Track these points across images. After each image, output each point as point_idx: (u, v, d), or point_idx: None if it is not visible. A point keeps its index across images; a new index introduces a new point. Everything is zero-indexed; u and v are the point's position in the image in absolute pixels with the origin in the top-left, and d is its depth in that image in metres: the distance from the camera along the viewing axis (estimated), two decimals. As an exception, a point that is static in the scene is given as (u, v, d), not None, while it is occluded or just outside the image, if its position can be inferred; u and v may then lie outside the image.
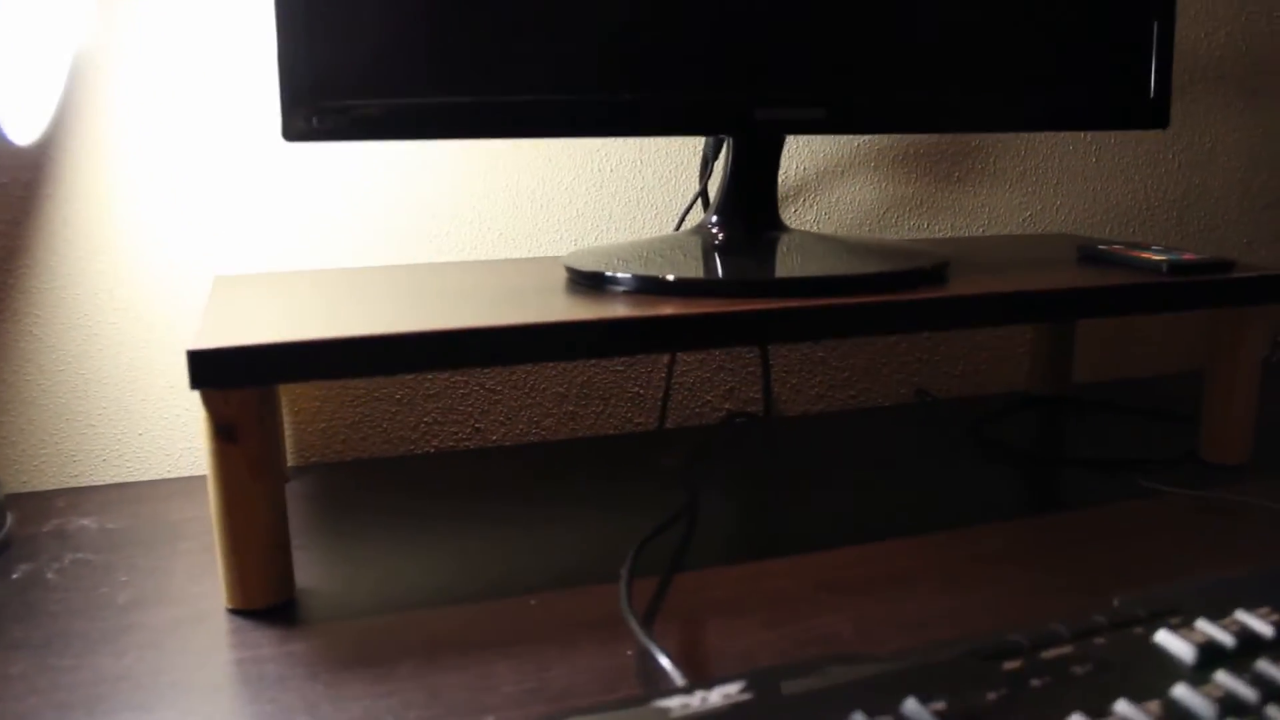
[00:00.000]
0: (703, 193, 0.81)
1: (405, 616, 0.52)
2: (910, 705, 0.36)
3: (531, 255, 0.81)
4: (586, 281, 0.65)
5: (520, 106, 0.60)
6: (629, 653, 0.48)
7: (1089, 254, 0.77)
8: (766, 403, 0.86)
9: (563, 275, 0.68)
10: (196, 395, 0.74)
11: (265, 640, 0.50)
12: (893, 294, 0.62)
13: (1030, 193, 0.97)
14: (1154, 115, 0.76)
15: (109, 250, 0.70)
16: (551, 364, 0.82)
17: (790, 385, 0.91)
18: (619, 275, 0.63)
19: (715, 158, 0.78)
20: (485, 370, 0.81)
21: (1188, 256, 0.72)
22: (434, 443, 0.80)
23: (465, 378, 0.80)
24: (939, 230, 0.94)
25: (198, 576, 0.57)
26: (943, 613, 0.52)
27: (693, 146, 0.84)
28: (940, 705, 0.36)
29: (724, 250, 0.68)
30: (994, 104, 0.71)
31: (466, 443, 0.81)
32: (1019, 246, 0.83)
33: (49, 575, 0.57)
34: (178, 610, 0.53)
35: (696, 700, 0.37)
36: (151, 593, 0.55)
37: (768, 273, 0.63)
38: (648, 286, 0.62)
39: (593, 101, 0.62)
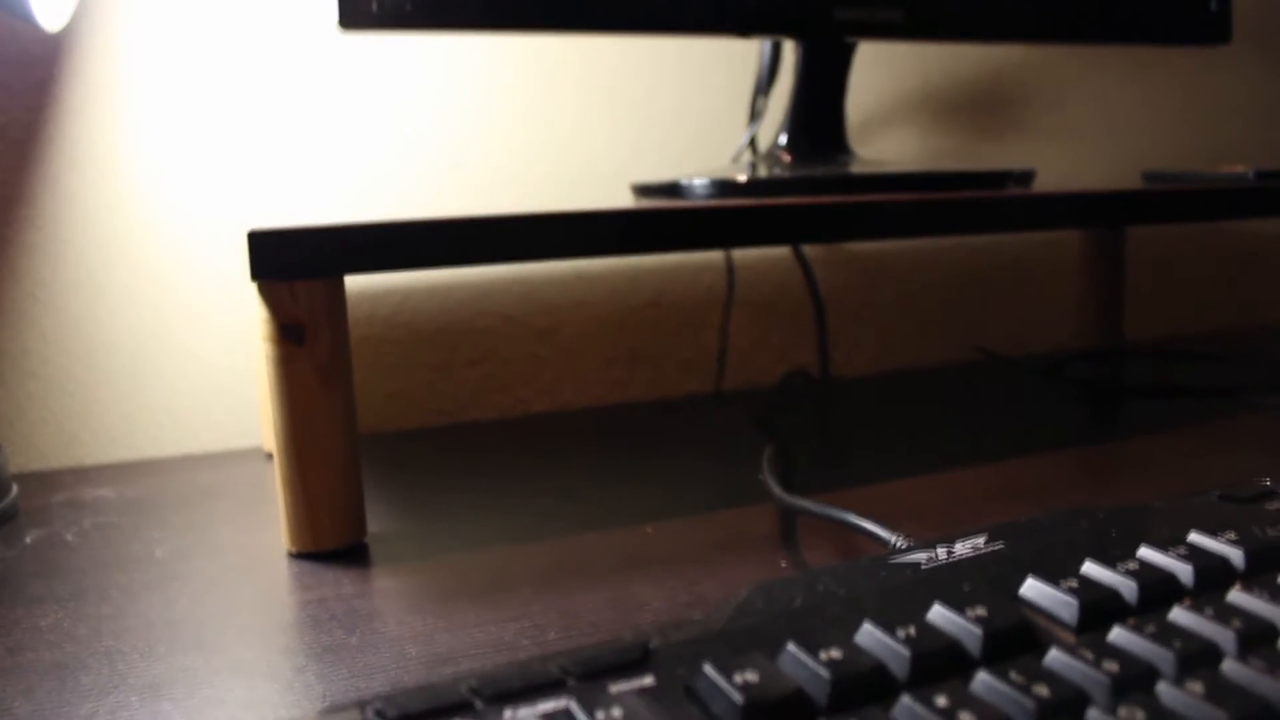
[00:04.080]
0: (751, 141, 0.75)
1: (505, 551, 0.45)
2: (1197, 537, 0.30)
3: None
4: (659, 193, 0.58)
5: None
6: (783, 564, 0.41)
7: (1160, 177, 0.72)
8: (824, 362, 0.79)
9: (630, 200, 0.62)
10: (217, 364, 0.65)
11: (345, 579, 0.42)
12: (984, 191, 0.56)
13: (1068, 145, 0.93)
14: (1214, 30, 0.73)
15: (120, 200, 0.63)
16: (598, 326, 0.75)
17: (842, 349, 0.85)
18: (694, 182, 0.57)
19: (768, 91, 0.73)
20: (531, 331, 0.73)
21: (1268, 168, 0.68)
22: (474, 413, 0.73)
23: (508, 338, 0.73)
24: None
25: (245, 530, 0.49)
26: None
27: (740, 94, 0.79)
28: (1230, 535, 0.30)
29: (797, 165, 0.62)
30: (1062, 14, 0.67)
31: (509, 413, 0.74)
32: (1085, 182, 0.79)
33: (68, 538, 0.48)
34: (229, 559, 0.45)
35: (942, 553, 0.30)
36: (194, 546, 0.47)
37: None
38: (724, 190, 0.56)
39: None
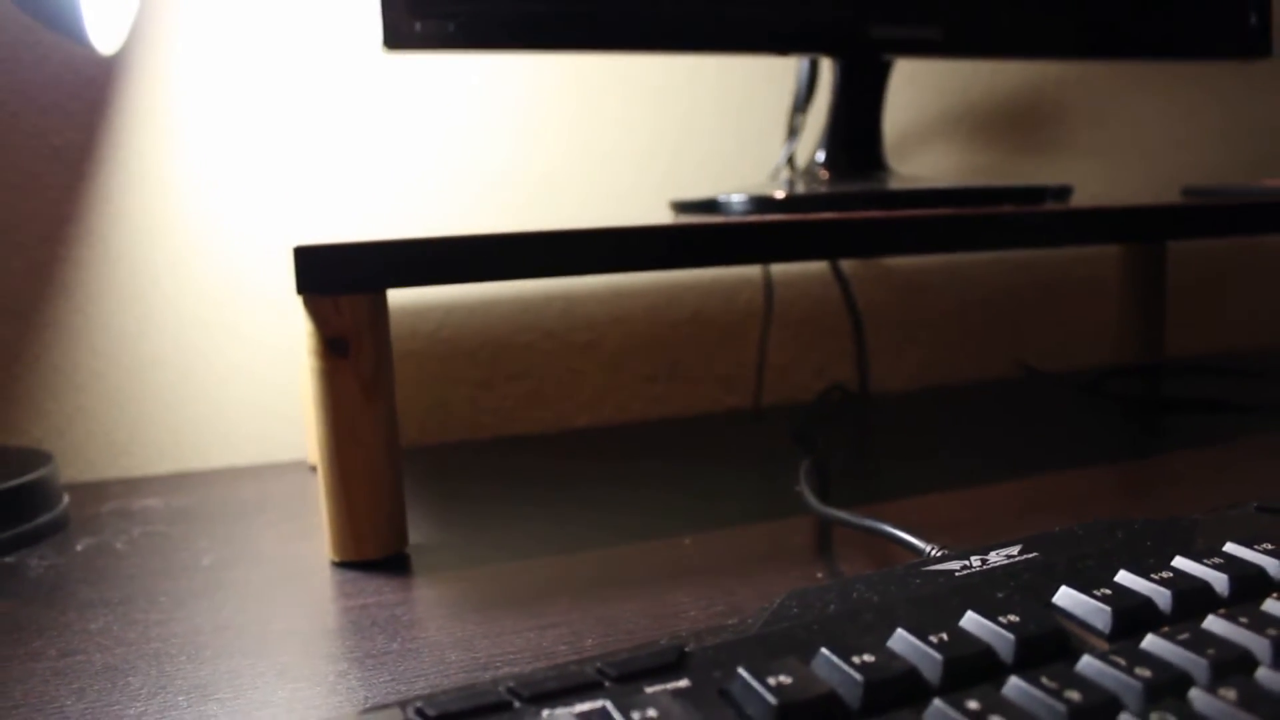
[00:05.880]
0: (789, 158, 0.76)
1: (545, 561, 0.45)
2: (1233, 547, 0.30)
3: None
4: (698, 210, 0.59)
5: (629, 18, 0.55)
6: (820, 575, 0.41)
7: (1200, 192, 0.72)
8: (862, 377, 0.79)
9: (669, 216, 0.62)
10: (262, 379, 0.67)
11: (387, 588, 0.43)
12: (1021, 206, 0.56)
13: (1106, 161, 0.93)
14: (1254, 44, 0.72)
15: (169, 219, 0.64)
16: (637, 342, 0.76)
17: (880, 365, 0.85)
18: (733, 198, 0.57)
19: (805, 108, 0.73)
20: (571, 347, 0.74)
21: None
22: (515, 428, 0.73)
23: (548, 354, 0.74)
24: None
25: (289, 539, 0.50)
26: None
27: (777, 111, 0.79)
28: (1267, 546, 0.30)
29: (835, 181, 0.62)
30: (1099, 31, 0.67)
31: (550, 427, 0.74)
32: (1124, 198, 0.78)
33: (117, 546, 0.50)
34: (273, 568, 0.46)
35: (976, 562, 0.30)
36: (239, 555, 0.48)
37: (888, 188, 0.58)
38: (763, 207, 0.57)
39: (710, 15, 0.57)
